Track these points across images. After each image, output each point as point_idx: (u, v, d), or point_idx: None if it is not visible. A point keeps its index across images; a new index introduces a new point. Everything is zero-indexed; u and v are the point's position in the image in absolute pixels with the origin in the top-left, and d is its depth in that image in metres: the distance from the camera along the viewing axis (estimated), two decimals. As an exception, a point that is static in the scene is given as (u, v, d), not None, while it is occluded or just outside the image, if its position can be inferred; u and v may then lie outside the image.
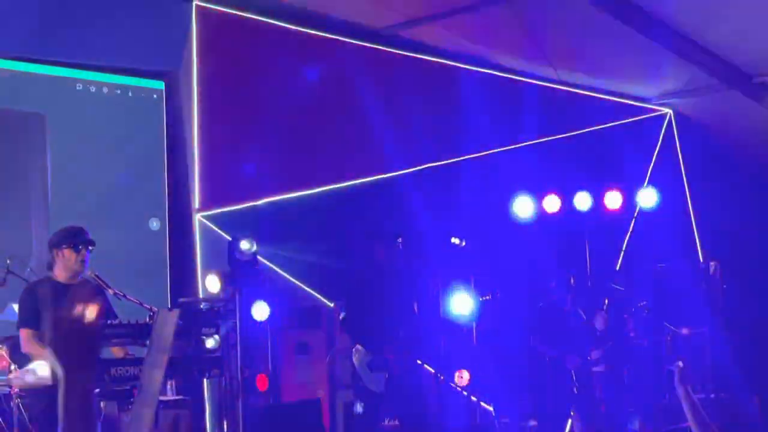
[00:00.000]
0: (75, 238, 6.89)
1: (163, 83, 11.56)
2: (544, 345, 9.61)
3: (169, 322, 6.11)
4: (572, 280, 9.82)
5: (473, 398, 11.13)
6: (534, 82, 13.58)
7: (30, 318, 6.74)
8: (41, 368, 6.28)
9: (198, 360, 6.76)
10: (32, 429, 7.43)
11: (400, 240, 7.86)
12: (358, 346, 7.65)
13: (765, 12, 11.53)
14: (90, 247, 6.93)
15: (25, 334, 6.72)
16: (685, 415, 4.69)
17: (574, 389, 9.40)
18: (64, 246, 6.87)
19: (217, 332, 7.97)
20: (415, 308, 7.86)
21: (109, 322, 6.28)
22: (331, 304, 11.20)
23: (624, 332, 11.39)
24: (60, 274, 6.89)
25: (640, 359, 11.37)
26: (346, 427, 10.10)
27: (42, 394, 6.51)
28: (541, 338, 9.63)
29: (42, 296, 6.82)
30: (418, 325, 7.78)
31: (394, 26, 12.40)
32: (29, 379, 6.49)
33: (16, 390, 7.99)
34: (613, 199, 11.98)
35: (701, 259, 14.09)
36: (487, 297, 8.02)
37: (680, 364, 4.73)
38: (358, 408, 7.71)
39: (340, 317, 7.92)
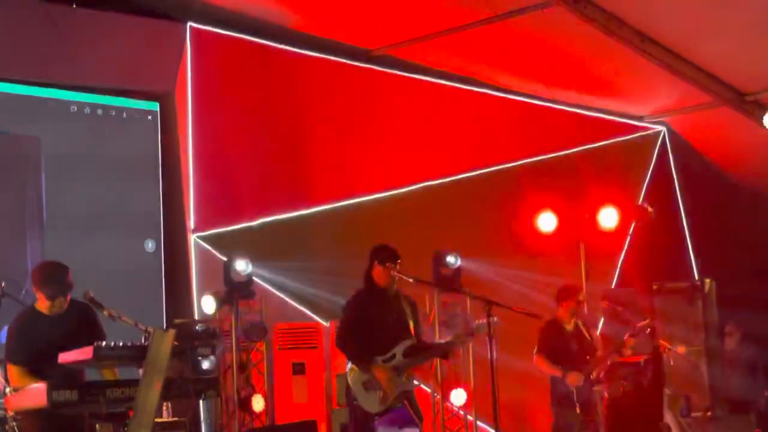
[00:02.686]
0: (50, 290, 6.76)
1: (158, 104, 11.58)
2: (545, 364, 9.59)
3: (164, 343, 6.11)
4: (580, 300, 9.80)
5: (470, 417, 11.12)
6: (527, 100, 13.61)
7: (18, 355, 6.71)
8: (38, 392, 6.24)
9: (194, 381, 6.72)
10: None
11: (397, 263, 7.84)
12: (353, 366, 7.63)
13: (757, 30, 11.57)
14: (68, 293, 6.83)
15: (13, 371, 6.69)
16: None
17: (576, 408, 9.37)
18: (39, 292, 6.82)
19: (212, 353, 7.97)
20: (411, 327, 7.83)
21: (104, 343, 6.27)
22: (328, 324, 11.19)
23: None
24: (44, 308, 6.86)
25: (637, 378, 11.36)
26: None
27: (38, 416, 6.49)
28: (543, 357, 9.60)
29: (29, 331, 6.77)
30: (413, 344, 7.75)
31: (386, 47, 12.44)
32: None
33: (12, 413, 7.97)
34: (608, 217, 11.97)
35: (696, 277, 14.10)
36: (480, 322, 7.98)
37: (667, 391, 4.73)
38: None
39: (335, 334, 7.90)
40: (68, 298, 6.82)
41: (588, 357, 9.59)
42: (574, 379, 9.37)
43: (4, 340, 9.06)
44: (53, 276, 6.83)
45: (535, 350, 9.67)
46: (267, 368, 10.80)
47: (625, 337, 9.85)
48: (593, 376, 9.54)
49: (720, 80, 13.03)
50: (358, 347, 7.63)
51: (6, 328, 9.37)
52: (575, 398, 9.35)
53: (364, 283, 7.93)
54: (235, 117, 11.75)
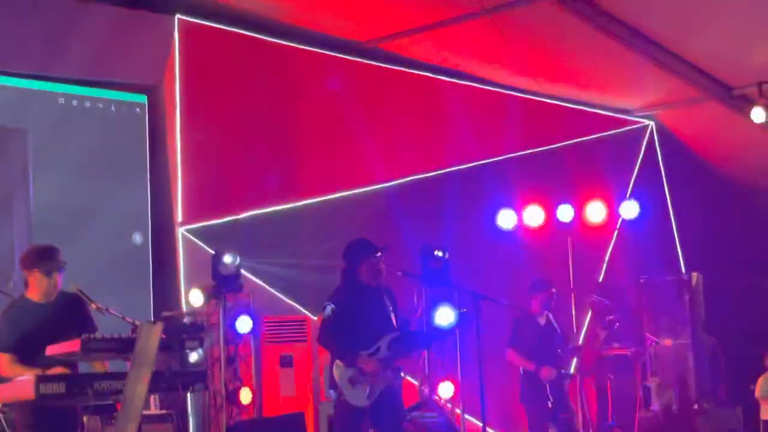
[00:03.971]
0: (46, 263, 6.80)
1: (146, 97, 11.55)
2: (518, 358, 9.60)
3: (152, 336, 6.11)
4: (553, 293, 9.81)
5: (457, 411, 11.14)
6: (516, 94, 13.62)
7: (6, 343, 6.70)
8: (26, 385, 6.24)
9: (182, 374, 6.73)
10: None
11: (380, 254, 7.83)
12: (338, 361, 7.62)
13: (745, 24, 11.60)
14: (62, 269, 6.85)
15: (2, 359, 6.68)
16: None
17: (549, 403, 9.39)
18: (35, 270, 6.82)
19: (200, 346, 7.97)
20: (394, 321, 7.83)
21: (92, 336, 6.26)
22: (315, 317, 11.19)
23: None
24: (35, 294, 6.85)
25: (623, 371, 11.40)
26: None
27: (26, 408, 6.49)
28: (516, 351, 9.62)
29: (18, 319, 6.76)
30: (399, 338, 7.75)
31: (376, 40, 12.44)
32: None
33: (-1, 405, 7.97)
34: (596, 211, 12.00)
35: (683, 271, 14.14)
36: (464, 310, 8.01)
37: (656, 380, 4.75)
38: (331, 394, 7.71)
39: (319, 330, 7.88)
40: (61, 278, 6.82)
41: (559, 351, 9.62)
42: (547, 374, 9.39)
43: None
44: (48, 252, 6.89)
45: (508, 343, 9.69)
46: (255, 361, 10.80)
47: (595, 331, 9.92)
48: (564, 369, 9.57)
49: (708, 75, 13.07)
50: (342, 342, 7.62)
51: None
52: (548, 392, 9.37)
53: (343, 279, 7.90)
54: (224, 110, 11.74)
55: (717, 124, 14.11)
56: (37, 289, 6.84)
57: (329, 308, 7.71)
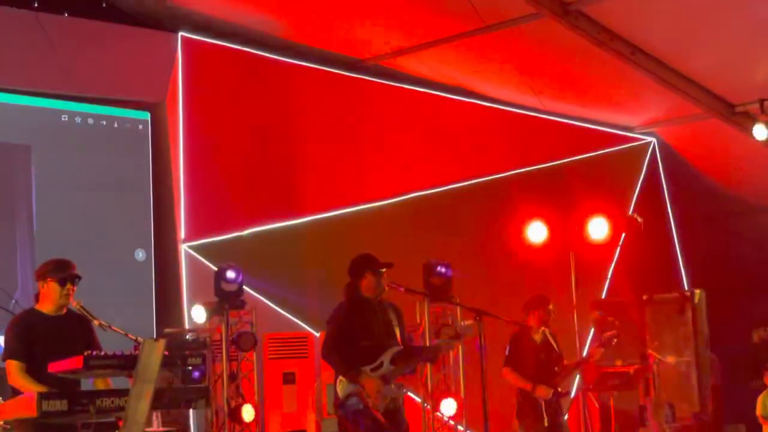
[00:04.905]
0: (61, 272, 6.85)
1: (149, 114, 11.60)
2: (514, 376, 9.58)
3: (154, 353, 6.10)
4: (549, 310, 9.80)
5: (460, 428, 11.12)
6: (518, 111, 13.65)
7: (17, 350, 6.71)
8: (28, 402, 6.24)
9: (184, 390, 6.72)
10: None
11: (384, 270, 7.83)
12: (341, 377, 7.61)
13: (746, 41, 11.63)
14: (76, 281, 6.89)
15: (12, 366, 6.68)
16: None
17: (545, 422, 9.36)
18: (50, 279, 6.84)
19: (203, 362, 7.96)
20: (398, 337, 7.83)
21: (94, 353, 6.26)
22: (318, 334, 11.19)
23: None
24: (45, 305, 6.87)
25: (626, 388, 11.38)
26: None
27: (28, 425, 6.48)
28: (512, 370, 9.60)
29: (28, 329, 6.78)
30: (402, 353, 7.75)
31: (377, 57, 12.48)
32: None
33: (1, 422, 7.95)
34: (598, 228, 11.99)
35: (686, 287, 14.13)
36: (468, 323, 7.99)
37: (651, 398, 4.74)
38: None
39: (322, 345, 7.87)
40: (74, 291, 6.84)
41: (556, 368, 9.60)
42: (542, 392, 9.36)
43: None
44: (64, 263, 6.91)
45: (504, 362, 9.67)
46: (257, 378, 10.80)
47: (592, 348, 9.87)
48: (560, 388, 9.53)
49: (710, 92, 13.09)
50: (345, 358, 7.61)
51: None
52: (543, 411, 9.35)
53: (346, 294, 7.90)
54: (227, 127, 11.77)
55: (719, 141, 14.11)
56: (50, 300, 6.85)
57: (330, 324, 7.72)
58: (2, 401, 7.16)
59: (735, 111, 13.40)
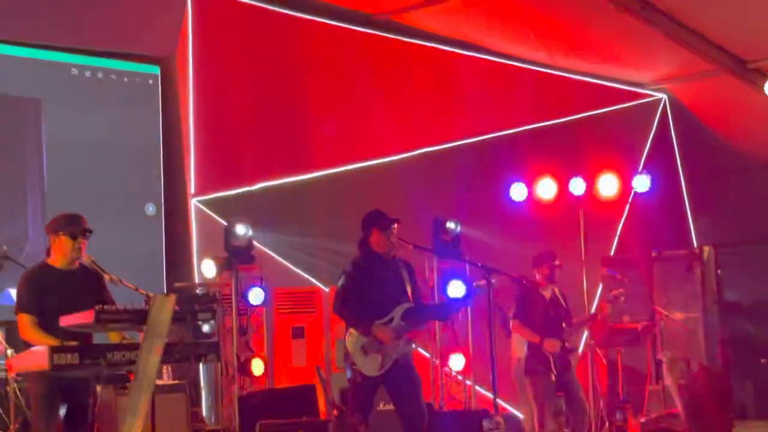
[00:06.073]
0: (72, 226, 6.87)
1: (159, 68, 11.57)
2: (523, 329, 9.61)
3: (165, 308, 6.15)
4: (556, 265, 9.80)
5: (468, 382, 11.18)
6: (529, 67, 13.59)
7: (29, 303, 6.75)
8: (40, 355, 6.29)
9: (194, 345, 6.77)
10: (29, 414, 7.46)
11: (395, 225, 7.86)
12: (352, 330, 7.66)
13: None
14: (87, 235, 6.91)
15: (24, 319, 6.72)
16: (674, 402, 4.74)
17: (552, 376, 9.40)
18: (61, 233, 6.86)
19: (212, 317, 8.01)
20: (409, 293, 7.86)
21: (105, 307, 6.30)
22: (327, 289, 11.23)
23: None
24: (57, 260, 6.90)
25: (634, 345, 11.42)
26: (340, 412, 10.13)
27: (39, 378, 6.54)
28: (521, 323, 9.62)
29: (40, 283, 6.82)
30: (412, 309, 7.79)
31: (389, 12, 12.42)
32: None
33: (14, 374, 8.03)
34: (608, 184, 11.98)
35: (695, 244, 14.13)
36: (480, 283, 8.02)
37: (668, 354, 4.77)
38: (349, 374, 7.73)
39: (333, 298, 7.92)
40: (85, 246, 6.86)
41: (564, 325, 9.63)
42: (551, 346, 9.40)
43: (6, 301, 9.15)
44: (75, 217, 6.92)
45: (512, 315, 9.71)
46: (267, 332, 10.85)
47: (600, 305, 9.89)
48: (567, 343, 9.56)
49: (721, 48, 13.00)
50: (356, 311, 7.67)
51: (7, 290, 9.46)
52: (552, 365, 9.39)
53: (359, 250, 7.94)
54: (236, 81, 11.75)
55: (730, 98, 14.05)
56: (61, 254, 6.87)
57: (342, 278, 7.77)
58: (15, 354, 7.23)
59: (747, 67, 13.33)
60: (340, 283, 7.80)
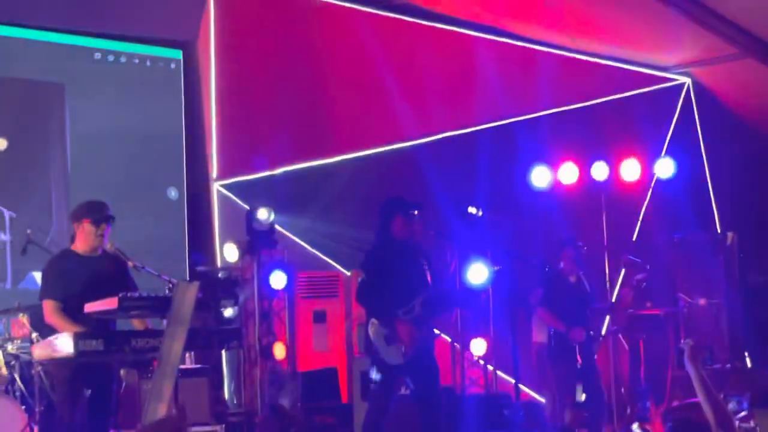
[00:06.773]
0: (96, 213, 6.92)
1: (181, 52, 11.60)
2: (549, 317, 9.60)
3: (188, 295, 6.17)
4: (580, 250, 9.78)
5: (490, 367, 11.19)
6: (550, 50, 13.52)
7: (54, 290, 6.80)
8: (65, 342, 6.33)
9: (217, 332, 6.81)
10: (53, 397, 7.52)
11: (416, 211, 7.85)
12: (374, 320, 7.65)
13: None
14: (110, 222, 6.96)
15: (48, 305, 6.77)
16: (696, 392, 4.72)
17: (578, 363, 9.40)
18: (84, 220, 6.91)
19: (235, 302, 8.05)
20: (429, 278, 7.86)
21: (128, 294, 6.34)
22: (349, 273, 11.25)
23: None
24: (81, 246, 6.94)
25: (656, 331, 11.38)
26: (362, 396, 10.16)
27: (64, 363, 6.58)
28: (547, 310, 9.60)
29: (64, 269, 6.86)
30: (433, 298, 7.78)
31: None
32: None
33: (38, 359, 8.08)
34: (630, 169, 11.93)
35: (718, 230, 14.06)
36: (497, 268, 8.02)
37: (690, 342, 4.75)
38: (374, 375, 7.73)
39: (356, 289, 7.93)
40: (108, 232, 6.91)
41: (588, 311, 9.62)
42: (577, 335, 9.39)
43: (30, 285, 9.21)
44: (98, 205, 7.01)
45: (539, 301, 9.70)
46: (288, 316, 10.88)
47: (623, 291, 9.88)
48: (594, 330, 9.56)
49: (745, 31, 12.90)
50: (379, 302, 7.66)
51: (31, 273, 9.53)
52: (577, 353, 9.39)
53: (378, 237, 7.92)
54: (258, 65, 11.76)
55: (754, 81, 13.94)
56: (84, 241, 6.92)
57: (363, 272, 7.78)
58: (40, 339, 7.28)
59: (771, 50, 13.25)
60: (362, 273, 7.82)
